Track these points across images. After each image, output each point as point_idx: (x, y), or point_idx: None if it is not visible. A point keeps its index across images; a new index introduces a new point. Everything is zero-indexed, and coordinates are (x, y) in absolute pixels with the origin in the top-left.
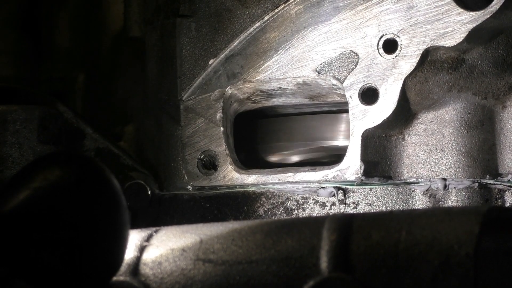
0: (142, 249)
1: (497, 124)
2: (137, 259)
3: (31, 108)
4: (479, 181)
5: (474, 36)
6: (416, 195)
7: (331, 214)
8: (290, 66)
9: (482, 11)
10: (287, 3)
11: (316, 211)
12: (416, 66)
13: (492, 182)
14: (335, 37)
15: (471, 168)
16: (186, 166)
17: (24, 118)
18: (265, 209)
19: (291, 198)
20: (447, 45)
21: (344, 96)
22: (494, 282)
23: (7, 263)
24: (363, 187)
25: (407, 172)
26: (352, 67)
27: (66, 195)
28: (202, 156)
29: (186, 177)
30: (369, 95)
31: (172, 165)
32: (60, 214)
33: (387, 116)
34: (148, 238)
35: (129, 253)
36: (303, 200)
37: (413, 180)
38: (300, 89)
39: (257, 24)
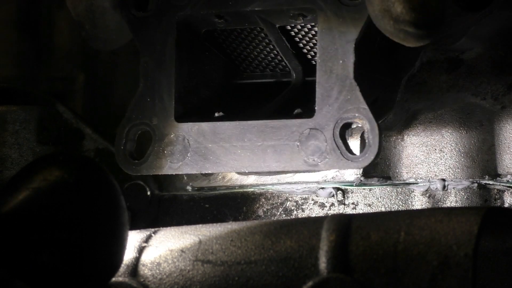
0: (141, 250)
1: (496, 124)
2: (136, 260)
3: (31, 108)
4: (478, 181)
5: (473, 36)
6: (415, 195)
7: (330, 214)
8: None
9: (481, 11)
10: None
11: (315, 211)
12: None
13: (491, 182)
14: None
15: (470, 169)
16: None
17: (24, 118)
18: (264, 209)
19: (290, 198)
20: (446, 46)
21: None
22: (493, 282)
23: (6, 264)
24: (362, 187)
25: (406, 173)
26: None
27: (65, 196)
28: None
29: (185, 177)
30: None
31: None
32: (59, 214)
33: None
34: (147, 239)
35: (128, 254)
36: (302, 201)
37: (412, 180)
38: None
39: None
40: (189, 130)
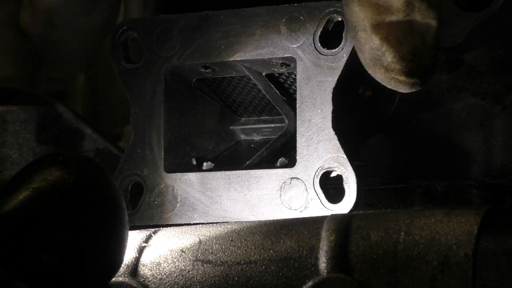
0: (141, 250)
1: (496, 124)
2: (136, 260)
3: (31, 108)
4: (478, 181)
5: (473, 36)
6: (415, 195)
7: (330, 214)
8: None
9: (481, 11)
10: None
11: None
12: None
13: (491, 182)
14: None
15: (470, 169)
16: None
17: (24, 118)
18: None
19: None
20: (446, 46)
21: None
22: (493, 282)
23: (6, 264)
24: (362, 187)
25: (406, 173)
26: None
27: (65, 196)
28: None
29: None
30: None
31: None
32: (59, 214)
33: None
34: (147, 239)
35: (128, 254)
36: None
37: (412, 180)
38: None
39: None
40: (178, 181)
